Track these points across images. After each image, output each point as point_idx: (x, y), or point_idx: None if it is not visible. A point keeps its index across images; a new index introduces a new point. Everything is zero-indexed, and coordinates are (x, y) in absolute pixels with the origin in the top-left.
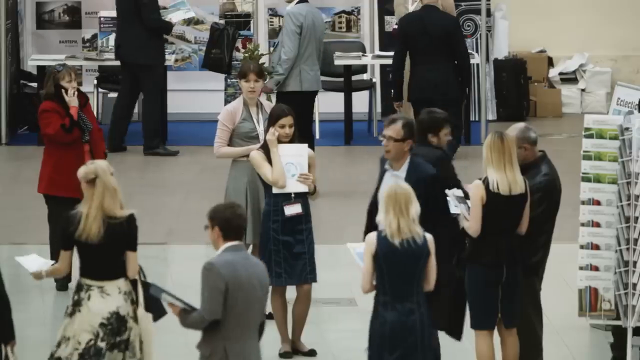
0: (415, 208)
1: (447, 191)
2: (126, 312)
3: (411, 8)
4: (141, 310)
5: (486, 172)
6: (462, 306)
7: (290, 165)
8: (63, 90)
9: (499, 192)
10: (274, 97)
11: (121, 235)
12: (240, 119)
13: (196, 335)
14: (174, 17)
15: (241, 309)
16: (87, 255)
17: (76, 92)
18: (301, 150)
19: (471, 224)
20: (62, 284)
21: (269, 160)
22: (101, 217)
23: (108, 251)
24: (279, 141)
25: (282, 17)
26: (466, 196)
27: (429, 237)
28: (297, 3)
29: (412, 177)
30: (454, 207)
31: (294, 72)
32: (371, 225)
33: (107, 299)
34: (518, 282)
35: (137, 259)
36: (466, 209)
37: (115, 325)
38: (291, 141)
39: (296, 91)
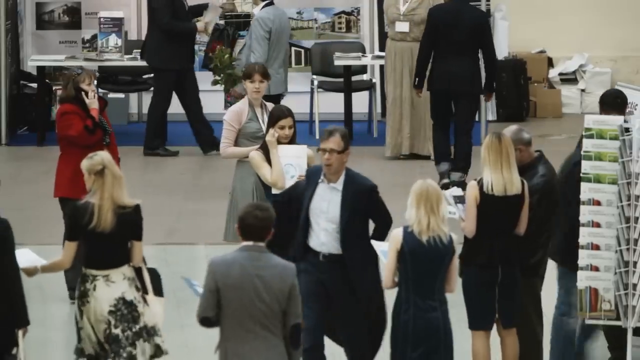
0: (445, 207)
1: (444, 191)
2: (132, 297)
3: (402, 9)
4: (151, 295)
5: (483, 173)
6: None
7: (289, 166)
8: (83, 93)
9: (493, 192)
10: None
11: (130, 224)
12: (246, 119)
13: (196, 335)
14: (206, 16)
15: (236, 310)
16: (96, 246)
17: (96, 95)
18: (300, 151)
19: (466, 224)
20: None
21: (269, 161)
22: (110, 206)
23: (117, 240)
24: (279, 142)
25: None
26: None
27: (455, 237)
28: (264, 6)
29: (349, 190)
30: (450, 208)
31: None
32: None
33: (112, 287)
34: (515, 283)
35: (142, 248)
36: (463, 209)
37: (125, 311)
38: (291, 142)
39: (264, 95)
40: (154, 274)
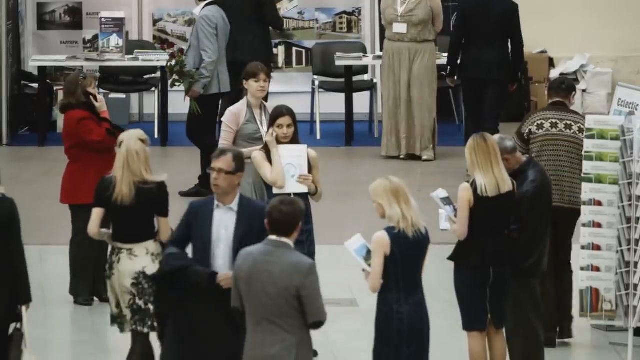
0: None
1: (431, 194)
2: (153, 272)
3: (400, 10)
4: None
5: (473, 176)
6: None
7: (290, 166)
8: (91, 97)
9: (488, 194)
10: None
11: (151, 199)
12: (244, 121)
13: None
14: (282, 6)
15: (247, 302)
16: (119, 219)
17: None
18: (301, 151)
19: (458, 227)
20: (84, 299)
21: (270, 161)
22: (130, 180)
23: (138, 214)
24: (278, 141)
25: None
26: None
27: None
28: (205, 5)
29: (245, 212)
30: (440, 211)
31: (213, 75)
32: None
33: (134, 260)
34: (506, 283)
35: (168, 224)
36: (452, 211)
37: (146, 286)
38: (293, 141)
39: (216, 93)
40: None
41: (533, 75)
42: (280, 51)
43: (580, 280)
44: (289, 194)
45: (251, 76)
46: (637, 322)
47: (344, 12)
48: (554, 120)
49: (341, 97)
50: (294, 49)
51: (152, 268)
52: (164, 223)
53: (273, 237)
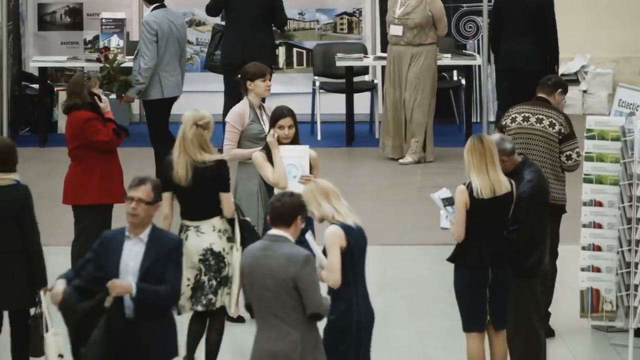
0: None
1: (432, 195)
2: (221, 248)
3: (397, 12)
4: (236, 246)
5: (469, 177)
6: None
7: (291, 166)
8: (96, 97)
9: (483, 196)
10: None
11: (209, 178)
12: (249, 121)
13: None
14: None
15: (251, 298)
16: (183, 198)
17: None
18: (302, 151)
19: (454, 229)
20: None
21: (272, 161)
22: (186, 161)
23: (198, 193)
24: (280, 142)
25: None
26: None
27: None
28: (153, 9)
29: (155, 242)
30: (441, 211)
31: (155, 80)
32: None
33: (201, 237)
34: (506, 284)
35: (231, 199)
36: (452, 212)
37: (213, 262)
38: (293, 142)
39: (159, 99)
40: (246, 226)
41: None
42: (281, 52)
43: (580, 281)
44: None
45: (259, 76)
46: (637, 323)
47: (345, 13)
48: (526, 114)
49: (342, 97)
50: (295, 49)
51: (218, 244)
52: (226, 198)
53: (272, 232)
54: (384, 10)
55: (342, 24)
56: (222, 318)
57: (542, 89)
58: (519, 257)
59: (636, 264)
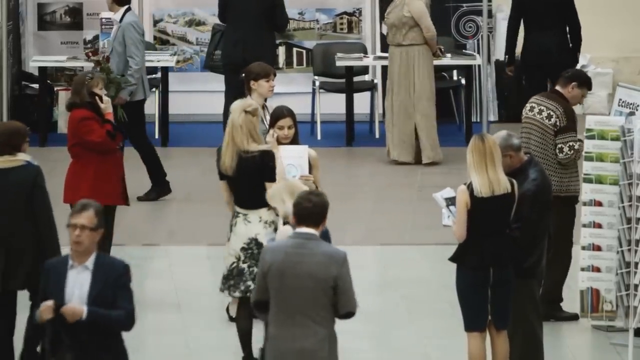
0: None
1: (434, 194)
2: (266, 241)
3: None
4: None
5: (470, 176)
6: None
7: (290, 166)
8: (97, 98)
9: (482, 195)
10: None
11: (252, 168)
12: None
13: (197, 335)
14: None
15: (278, 296)
16: (233, 186)
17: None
18: (302, 151)
19: (456, 229)
20: None
21: None
22: (233, 150)
23: (244, 183)
24: (279, 142)
25: None
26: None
27: None
28: (125, 11)
29: (101, 269)
30: (443, 211)
31: (138, 81)
32: None
33: (248, 226)
34: (508, 284)
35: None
36: (455, 212)
37: (256, 252)
38: (293, 142)
39: (141, 99)
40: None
41: None
42: (280, 52)
43: (580, 281)
44: None
45: (263, 76)
46: (637, 323)
47: (345, 13)
48: (534, 105)
49: (342, 97)
50: (295, 49)
51: (264, 235)
52: (270, 187)
53: (302, 230)
54: (383, 10)
55: (342, 23)
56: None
57: (558, 82)
58: (522, 255)
59: (636, 264)
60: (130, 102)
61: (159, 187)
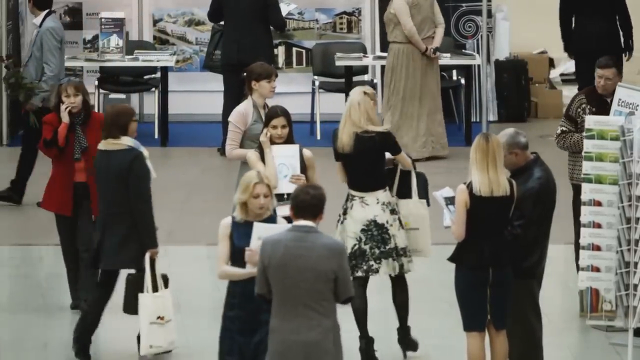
0: None
1: (434, 193)
2: (384, 221)
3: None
4: (415, 198)
5: (471, 174)
6: None
7: (282, 166)
8: (62, 105)
9: (481, 194)
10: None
11: (372, 148)
12: (252, 121)
13: (197, 335)
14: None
15: (280, 288)
16: (349, 168)
17: (73, 109)
18: (293, 151)
19: (455, 228)
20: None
21: (264, 161)
22: (350, 130)
23: (362, 163)
24: (273, 142)
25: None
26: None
27: None
28: (46, 15)
29: None
30: (444, 210)
31: (54, 88)
32: None
33: (366, 209)
34: (507, 284)
35: (405, 157)
36: (454, 211)
37: (376, 232)
38: (288, 142)
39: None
40: (421, 178)
41: (533, 76)
42: (280, 51)
43: (580, 281)
44: (282, 195)
45: (264, 77)
46: (637, 323)
47: (344, 13)
48: None
49: (341, 97)
50: (294, 49)
51: (382, 216)
52: (401, 158)
53: (300, 223)
54: (383, 10)
55: (341, 23)
56: (403, 280)
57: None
58: (522, 255)
59: (635, 264)
60: (45, 109)
61: (13, 192)
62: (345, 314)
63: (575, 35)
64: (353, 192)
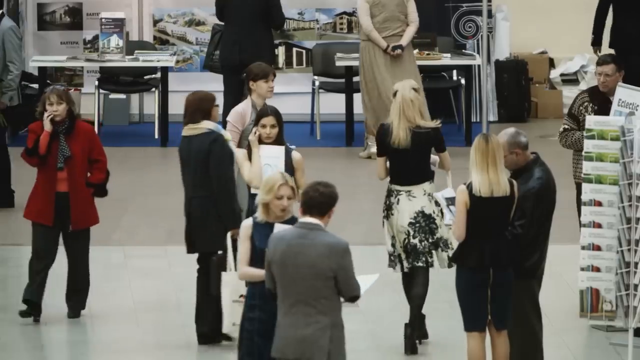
0: None
1: (435, 194)
2: (431, 211)
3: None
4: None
5: (471, 175)
6: None
7: (267, 166)
8: (45, 112)
9: (481, 194)
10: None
11: (425, 142)
12: (250, 121)
13: (195, 335)
14: None
15: (281, 284)
16: (398, 162)
17: (56, 117)
18: (279, 152)
19: (455, 229)
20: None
21: (251, 160)
22: (405, 126)
23: (414, 157)
24: (261, 141)
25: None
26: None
27: None
28: (0, 16)
29: None
30: (445, 210)
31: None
32: None
33: (413, 201)
34: (508, 284)
35: (447, 157)
36: (454, 212)
37: (423, 224)
38: (278, 142)
39: (17, 104)
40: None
41: (533, 76)
42: (280, 52)
43: (580, 281)
44: None
45: (262, 77)
46: (637, 323)
47: (344, 13)
48: None
49: (341, 97)
50: (294, 49)
51: (429, 207)
52: (443, 156)
53: (306, 220)
54: None
55: (341, 23)
56: (426, 274)
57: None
58: (522, 255)
59: (636, 264)
60: (9, 107)
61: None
62: (346, 314)
63: (613, 34)
64: (398, 187)
